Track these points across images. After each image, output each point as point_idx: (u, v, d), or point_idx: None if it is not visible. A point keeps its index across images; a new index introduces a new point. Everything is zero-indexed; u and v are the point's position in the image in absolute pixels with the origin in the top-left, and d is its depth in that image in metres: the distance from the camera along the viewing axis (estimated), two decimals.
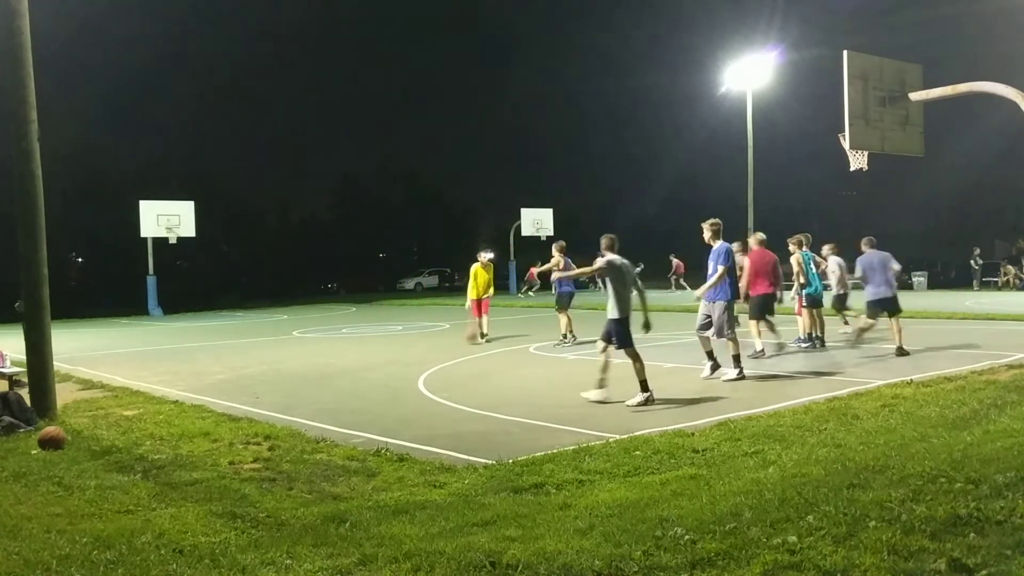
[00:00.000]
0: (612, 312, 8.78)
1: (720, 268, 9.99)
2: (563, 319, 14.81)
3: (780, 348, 12.42)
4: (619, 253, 9.06)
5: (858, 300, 13.18)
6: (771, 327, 12.45)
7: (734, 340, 10.14)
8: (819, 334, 13.19)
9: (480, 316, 15.62)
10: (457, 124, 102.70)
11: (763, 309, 12.30)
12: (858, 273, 12.34)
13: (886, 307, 12.03)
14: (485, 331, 15.67)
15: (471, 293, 15.66)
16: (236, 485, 5.92)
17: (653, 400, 8.63)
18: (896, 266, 12.28)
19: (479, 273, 15.73)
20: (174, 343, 18.26)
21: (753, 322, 12.29)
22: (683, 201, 64.97)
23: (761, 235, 12.80)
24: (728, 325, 10.17)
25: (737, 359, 10.11)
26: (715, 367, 10.29)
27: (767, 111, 36.55)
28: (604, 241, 9.12)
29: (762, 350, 12.06)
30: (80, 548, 4.44)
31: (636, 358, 8.71)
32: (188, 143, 77.13)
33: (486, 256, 16.07)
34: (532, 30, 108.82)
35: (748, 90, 32.92)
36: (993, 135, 38.77)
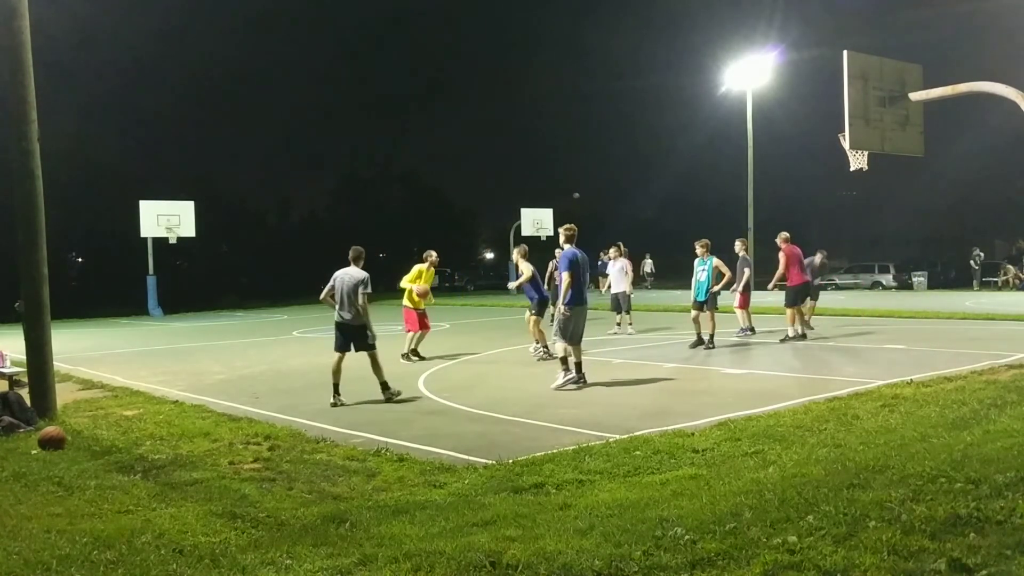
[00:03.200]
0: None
1: (565, 274, 9.90)
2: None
3: (803, 338, 14.15)
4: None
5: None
6: (802, 316, 14.46)
7: (576, 346, 9.94)
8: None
9: (419, 331, 13.05)
10: (457, 124, 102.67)
11: (798, 298, 14.29)
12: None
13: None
14: (415, 347, 13.06)
15: (409, 299, 13.10)
16: (236, 485, 5.93)
17: (340, 405, 9.16)
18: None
19: (424, 274, 13.14)
20: (174, 343, 18.25)
21: (790, 310, 14.16)
22: (683, 201, 65.02)
23: (785, 233, 14.47)
24: (563, 330, 9.90)
25: (564, 361, 9.91)
26: (569, 376, 9.90)
27: (767, 111, 36.60)
28: (351, 253, 9.57)
29: (794, 336, 13.93)
30: (80, 548, 4.44)
31: (339, 362, 9.46)
32: (188, 143, 77.14)
33: (435, 255, 13.45)
34: (532, 30, 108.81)
35: (748, 90, 32.94)
36: (993, 135, 38.72)
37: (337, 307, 9.47)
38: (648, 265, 36.11)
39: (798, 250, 14.59)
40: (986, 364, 10.38)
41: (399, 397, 9.42)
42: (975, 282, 31.11)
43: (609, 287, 16.61)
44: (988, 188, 51.26)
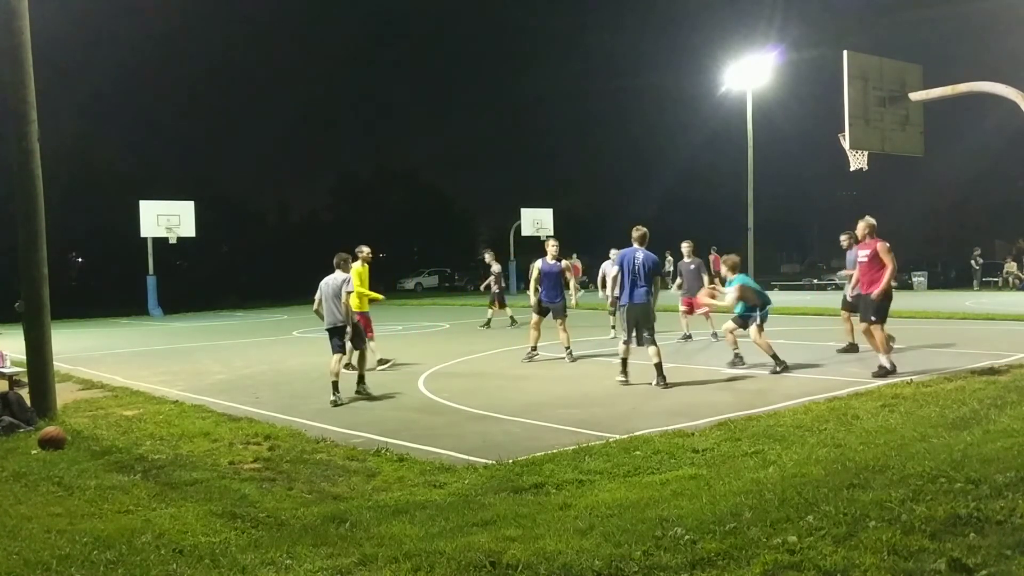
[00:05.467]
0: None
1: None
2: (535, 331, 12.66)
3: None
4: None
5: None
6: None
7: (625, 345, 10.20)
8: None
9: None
10: (457, 124, 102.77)
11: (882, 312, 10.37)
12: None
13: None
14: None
15: (364, 303, 11.85)
16: (236, 485, 5.93)
17: (339, 404, 9.36)
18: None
19: (363, 274, 11.85)
20: (174, 343, 18.25)
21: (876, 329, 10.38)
22: (684, 200, 65.09)
23: (871, 219, 10.54)
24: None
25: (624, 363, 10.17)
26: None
27: (767, 111, 36.62)
28: (335, 259, 9.99)
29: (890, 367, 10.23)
30: (80, 548, 4.45)
31: (338, 362, 9.78)
32: (188, 143, 77.20)
33: (367, 250, 12.15)
34: (532, 30, 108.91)
35: (748, 90, 32.94)
36: (993, 135, 38.76)
37: (325, 314, 9.80)
38: (668, 263, 35.79)
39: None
40: (986, 364, 10.37)
41: (373, 393, 9.77)
42: (975, 282, 31.10)
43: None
44: (988, 188, 51.27)
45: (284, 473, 6.27)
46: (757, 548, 3.77)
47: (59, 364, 10.75)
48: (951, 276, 35.25)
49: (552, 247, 12.74)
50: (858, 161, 11.78)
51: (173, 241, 29.23)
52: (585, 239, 42.89)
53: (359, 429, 7.84)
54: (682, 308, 14.76)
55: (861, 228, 10.58)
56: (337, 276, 9.73)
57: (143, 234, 28.56)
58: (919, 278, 32.66)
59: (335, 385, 9.46)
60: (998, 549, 3.54)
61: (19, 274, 8.89)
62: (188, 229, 29.21)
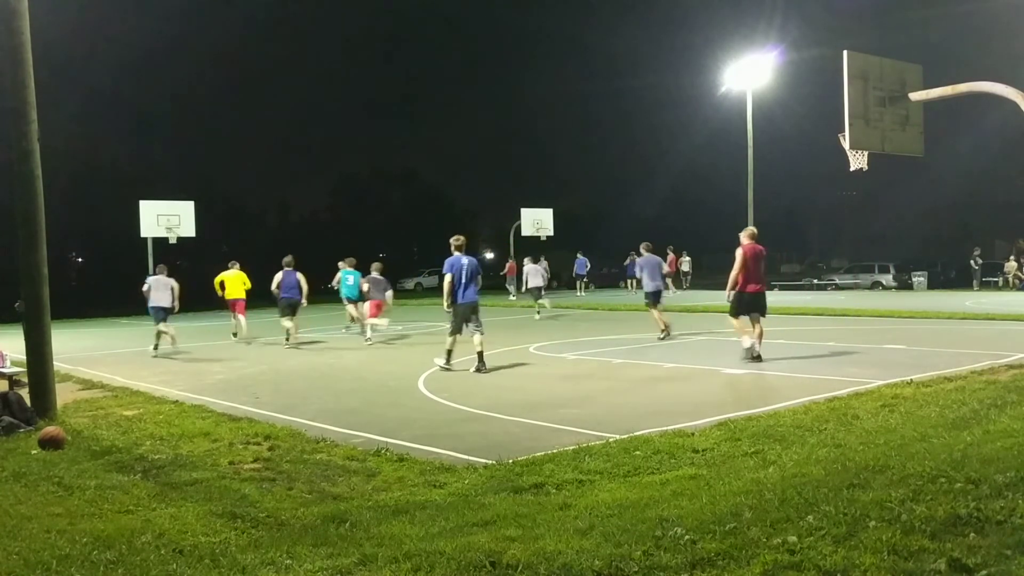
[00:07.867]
0: None
1: (446, 277, 11.63)
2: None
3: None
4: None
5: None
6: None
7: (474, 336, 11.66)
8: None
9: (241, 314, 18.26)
10: (457, 124, 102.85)
11: (741, 309, 11.85)
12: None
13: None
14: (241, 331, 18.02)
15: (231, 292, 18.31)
16: (236, 485, 5.93)
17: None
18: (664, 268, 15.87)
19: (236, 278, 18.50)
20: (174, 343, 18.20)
21: (734, 320, 12.02)
22: (684, 200, 65.18)
23: (752, 228, 12.18)
24: (451, 326, 11.87)
25: (449, 353, 11.79)
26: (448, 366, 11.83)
27: (767, 111, 36.61)
28: (163, 269, 15.78)
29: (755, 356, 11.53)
30: (80, 548, 4.45)
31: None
32: (188, 143, 77.24)
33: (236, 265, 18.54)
34: (532, 30, 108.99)
35: (748, 90, 32.93)
36: (993, 135, 38.80)
37: (159, 298, 15.42)
38: (686, 264, 35.53)
39: (760, 249, 11.81)
40: (986, 364, 10.36)
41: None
42: (975, 282, 31.09)
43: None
44: (988, 188, 51.34)
45: (284, 473, 6.27)
46: (757, 548, 3.77)
47: (59, 364, 10.75)
48: (951, 276, 35.25)
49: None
50: (858, 161, 11.77)
51: (173, 241, 29.17)
52: (586, 238, 42.92)
53: (359, 429, 7.84)
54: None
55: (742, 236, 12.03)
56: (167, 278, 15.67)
57: (143, 234, 28.50)
58: (919, 278, 32.66)
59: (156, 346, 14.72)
60: (998, 549, 3.53)
61: (19, 274, 8.89)
62: (188, 229, 29.14)
